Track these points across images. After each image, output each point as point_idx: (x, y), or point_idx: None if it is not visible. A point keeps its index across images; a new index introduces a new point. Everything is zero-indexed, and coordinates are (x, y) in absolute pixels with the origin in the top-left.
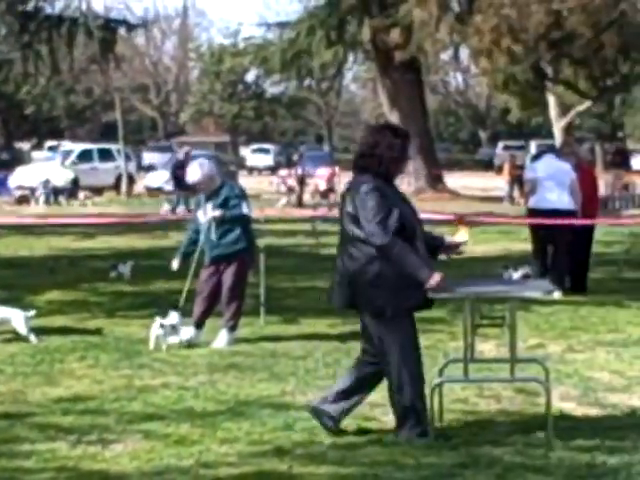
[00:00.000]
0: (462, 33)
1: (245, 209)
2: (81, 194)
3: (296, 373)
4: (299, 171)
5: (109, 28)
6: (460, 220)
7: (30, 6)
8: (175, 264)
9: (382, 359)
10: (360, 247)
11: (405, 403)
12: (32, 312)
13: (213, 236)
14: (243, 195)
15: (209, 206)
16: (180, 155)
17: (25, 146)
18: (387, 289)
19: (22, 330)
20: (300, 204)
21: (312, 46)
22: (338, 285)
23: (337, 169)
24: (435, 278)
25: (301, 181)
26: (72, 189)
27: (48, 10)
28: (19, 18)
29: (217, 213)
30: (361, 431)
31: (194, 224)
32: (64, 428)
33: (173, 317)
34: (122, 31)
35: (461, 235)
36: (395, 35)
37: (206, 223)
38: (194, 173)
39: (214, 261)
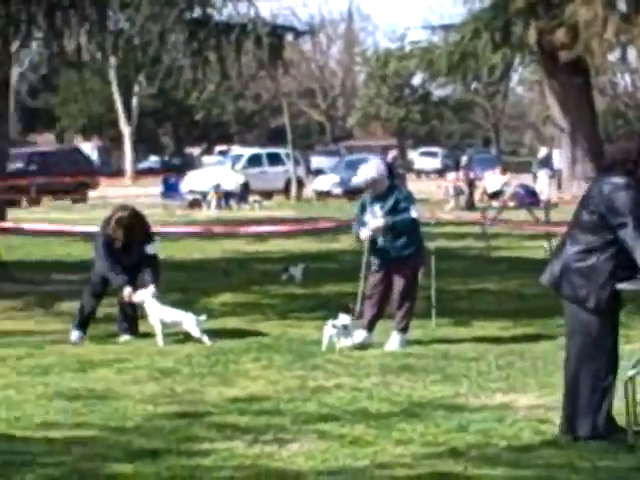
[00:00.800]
0: (629, 33)
1: (414, 213)
2: (251, 198)
3: (469, 375)
4: (469, 174)
5: (277, 34)
6: None
7: (199, 14)
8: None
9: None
10: (586, 236)
11: (583, 402)
12: (203, 317)
13: (383, 241)
14: (411, 198)
15: (377, 208)
16: (389, 158)
17: (195, 151)
18: (595, 281)
19: (195, 333)
20: (470, 207)
21: (478, 49)
22: (551, 264)
23: (505, 172)
24: None
25: (470, 184)
26: (242, 193)
27: (217, 18)
28: (189, 26)
29: (383, 221)
30: (536, 433)
31: (357, 224)
32: (241, 428)
33: (344, 319)
34: (289, 37)
35: None
36: (560, 35)
37: (374, 229)
38: (368, 172)
39: (384, 265)
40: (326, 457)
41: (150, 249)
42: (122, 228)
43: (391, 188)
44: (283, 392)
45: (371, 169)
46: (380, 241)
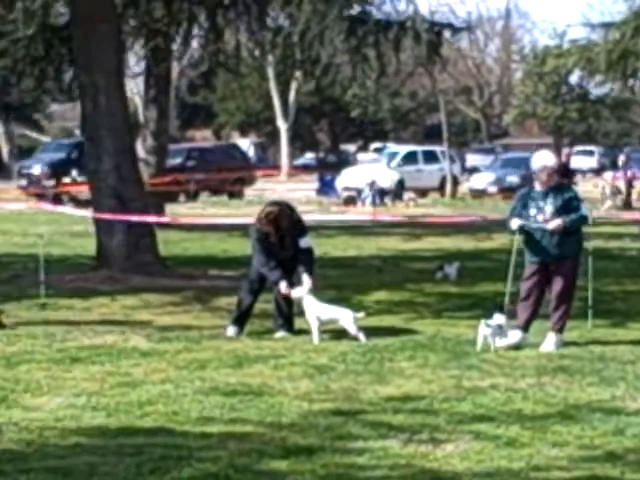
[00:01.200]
0: None
1: (585, 211)
2: (406, 195)
3: (625, 378)
4: (627, 173)
5: (435, 31)
6: None
7: (358, 11)
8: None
9: None
10: None
11: None
12: (361, 314)
13: (548, 239)
14: (580, 197)
15: (544, 203)
16: (564, 156)
17: (351, 148)
18: None
19: (351, 330)
20: (627, 206)
21: (638, 47)
22: None
23: None
24: None
25: (629, 183)
26: (397, 191)
27: (376, 15)
28: (348, 23)
29: (560, 221)
30: None
31: (510, 215)
32: (395, 426)
33: (499, 318)
34: (447, 34)
35: None
36: None
37: (556, 229)
38: (546, 160)
39: (544, 263)
40: (481, 458)
41: (303, 243)
42: (271, 223)
43: (562, 185)
44: (438, 391)
45: (549, 158)
46: (539, 238)
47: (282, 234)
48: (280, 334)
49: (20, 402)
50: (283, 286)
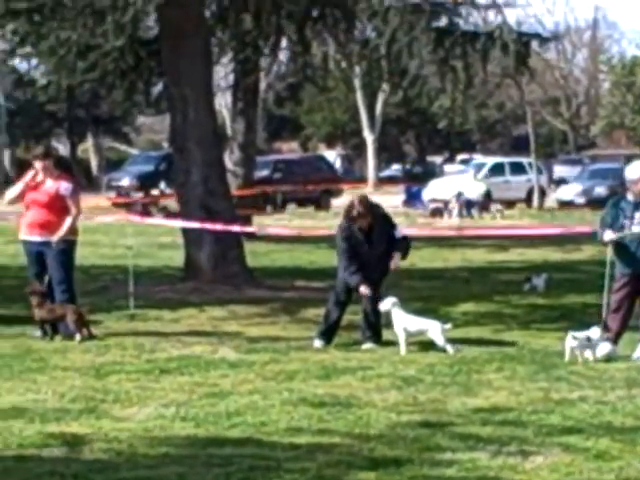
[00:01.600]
0: None
1: None
2: (492, 207)
3: None
4: None
5: (523, 42)
6: None
7: (445, 22)
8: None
9: None
10: None
11: None
12: (449, 325)
13: (637, 249)
14: None
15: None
16: None
17: (437, 159)
18: None
19: (439, 341)
20: None
21: None
22: None
23: None
24: None
25: None
26: (484, 202)
27: (463, 26)
28: (435, 34)
29: None
30: None
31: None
32: (483, 438)
33: (594, 332)
34: (534, 45)
35: None
36: None
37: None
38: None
39: (635, 275)
40: (570, 470)
41: (398, 233)
42: (362, 204)
43: None
44: (526, 403)
45: None
46: (632, 250)
47: (371, 223)
48: (368, 346)
49: (110, 412)
50: (363, 288)
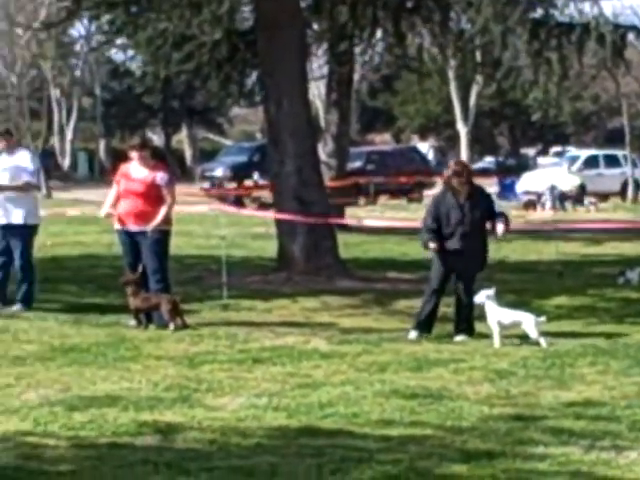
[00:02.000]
0: None
1: None
2: (586, 200)
3: None
4: None
5: (619, 33)
6: None
7: (540, 14)
8: None
9: None
10: None
11: None
12: (543, 318)
13: None
14: None
15: None
16: None
17: (531, 152)
18: None
19: (533, 334)
20: None
21: None
22: None
23: None
24: None
25: None
26: (578, 195)
27: (559, 17)
28: (530, 26)
29: None
30: None
31: None
32: (576, 433)
33: None
34: (631, 36)
35: None
36: None
37: None
38: None
39: None
40: None
41: (497, 207)
42: (458, 164)
43: None
44: (620, 398)
45: None
46: None
47: (469, 192)
48: (460, 338)
49: (202, 402)
50: (432, 244)
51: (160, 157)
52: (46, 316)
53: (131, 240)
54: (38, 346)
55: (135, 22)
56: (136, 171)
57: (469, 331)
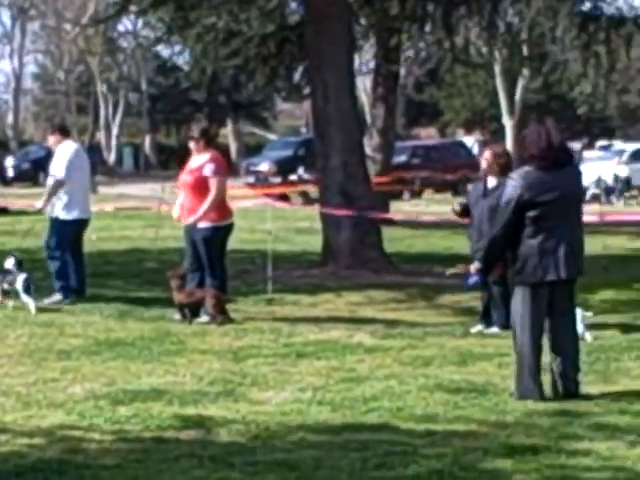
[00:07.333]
0: None
1: None
2: (627, 194)
3: None
4: None
5: None
6: None
7: (589, 7)
8: None
9: None
10: None
11: None
12: (590, 313)
13: None
14: None
15: None
16: None
17: (576, 145)
18: None
19: (579, 328)
20: None
21: None
22: None
23: None
24: None
25: None
26: (624, 188)
27: (608, 11)
28: (579, 19)
29: None
30: None
31: None
32: (621, 428)
33: None
34: None
35: None
36: None
37: None
38: None
39: None
40: None
41: None
42: (498, 149)
43: None
44: None
45: None
46: None
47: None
48: (493, 330)
49: (247, 396)
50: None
51: (219, 148)
52: (92, 310)
53: (188, 235)
54: (83, 340)
55: (185, 18)
56: (191, 163)
57: (504, 323)
